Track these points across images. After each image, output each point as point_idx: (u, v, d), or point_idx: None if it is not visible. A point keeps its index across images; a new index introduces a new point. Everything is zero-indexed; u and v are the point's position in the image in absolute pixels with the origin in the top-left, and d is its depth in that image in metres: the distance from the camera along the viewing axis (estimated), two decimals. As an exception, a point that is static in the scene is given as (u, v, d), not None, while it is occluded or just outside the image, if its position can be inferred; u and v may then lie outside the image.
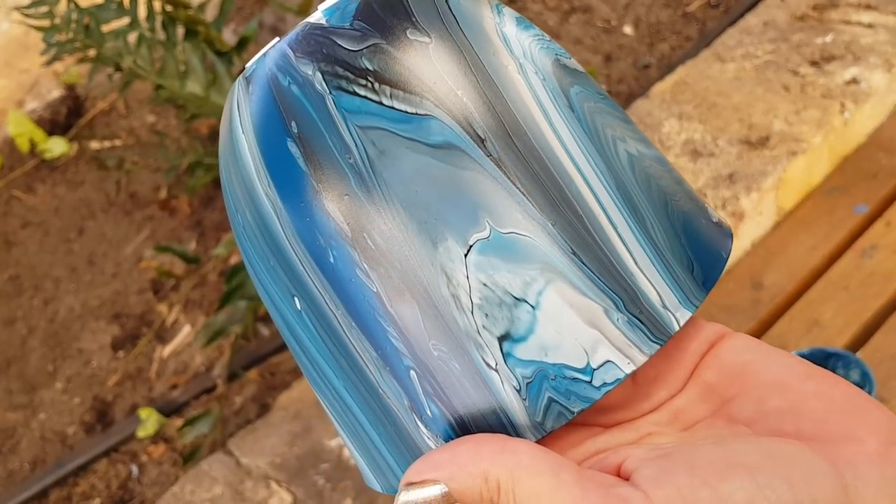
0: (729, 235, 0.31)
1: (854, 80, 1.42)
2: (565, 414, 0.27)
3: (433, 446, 0.27)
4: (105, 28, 1.52)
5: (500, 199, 0.26)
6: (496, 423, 0.27)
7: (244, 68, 0.30)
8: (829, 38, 1.50)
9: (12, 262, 1.90)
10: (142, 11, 1.58)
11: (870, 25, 1.51)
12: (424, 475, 0.26)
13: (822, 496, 0.24)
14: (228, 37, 2.03)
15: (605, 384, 0.26)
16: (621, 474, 0.26)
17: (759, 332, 1.20)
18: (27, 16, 1.52)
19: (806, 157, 1.34)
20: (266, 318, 1.53)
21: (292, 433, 1.20)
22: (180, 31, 1.56)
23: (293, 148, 0.27)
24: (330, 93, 0.27)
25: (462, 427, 0.27)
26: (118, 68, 1.52)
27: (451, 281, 0.26)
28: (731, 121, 1.40)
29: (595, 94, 0.30)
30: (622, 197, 0.28)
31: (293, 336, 0.29)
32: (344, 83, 0.27)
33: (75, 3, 1.50)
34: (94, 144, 2.05)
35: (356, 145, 0.27)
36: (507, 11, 0.30)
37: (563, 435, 0.29)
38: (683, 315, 0.27)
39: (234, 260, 1.55)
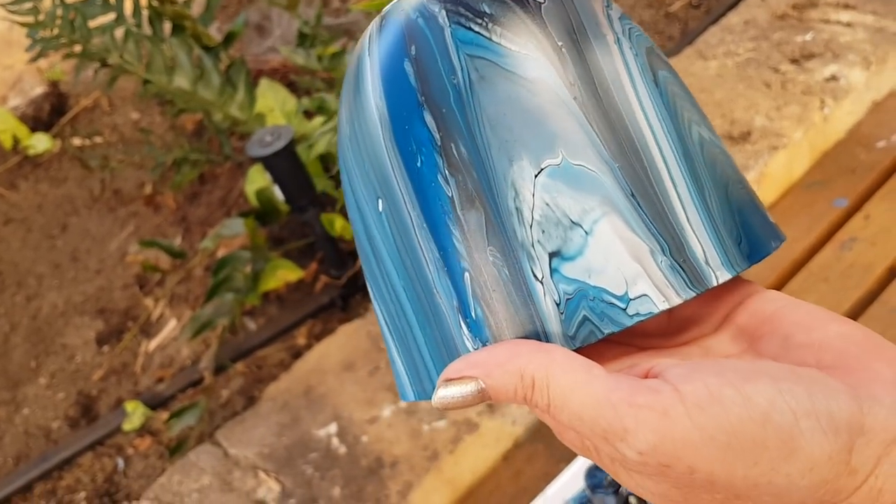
0: (780, 238, 0.33)
1: (833, 77, 1.45)
2: (596, 333, 0.29)
3: (471, 349, 0.30)
4: (91, 24, 1.52)
5: (576, 135, 0.30)
6: (531, 331, 0.29)
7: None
8: (808, 37, 1.53)
9: (-6, 259, 1.89)
10: (128, 7, 1.58)
11: (848, 24, 1.54)
12: (462, 373, 0.28)
13: (837, 409, 0.25)
14: (214, 35, 2.04)
15: (637, 314, 0.29)
16: (649, 377, 0.27)
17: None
18: (11, 12, 1.52)
19: (787, 152, 1.36)
20: (252, 312, 1.53)
21: (280, 424, 1.20)
22: (167, 26, 1.56)
23: (408, 67, 0.31)
24: (449, 25, 0.31)
25: (499, 332, 0.29)
26: (104, 64, 1.52)
27: (518, 195, 0.29)
28: (713, 116, 1.42)
29: (680, 85, 0.33)
30: (687, 164, 0.31)
31: (369, 238, 0.33)
32: (463, 20, 0.31)
33: (61, -1, 1.49)
34: (77, 141, 2.05)
35: (462, 69, 0.30)
36: (615, 6, 0.34)
37: (598, 349, 0.31)
38: (723, 274, 0.30)
39: (220, 253, 1.55)
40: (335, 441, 1.16)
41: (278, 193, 1.47)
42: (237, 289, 1.38)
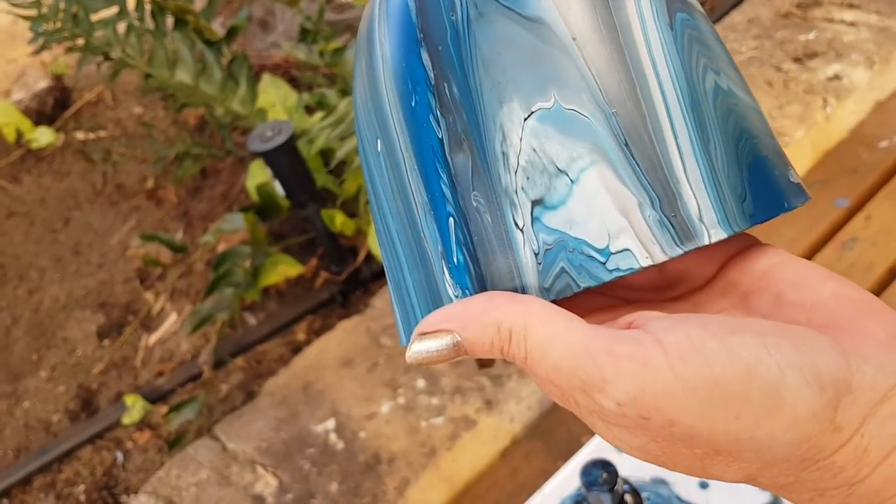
0: (802, 197, 0.31)
1: (836, 77, 1.44)
2: (572, 286, 0.28)
3: (452, 296, 0.29)
4: (94, 17, 1.52)
5: (571, 78, 0.28)
6: (508, 281, 0.28)
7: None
8: (812, 35, 1.53)
9: (-3, 252, 1.89)
10: (130, 1, 1.58)
11: (852, 23, 1.53)
12: (438, 326, 0.27)
13: (825, 364, 0.24)
14: (217, 30, 2.04)
15: (617, 269, 0.27)
16: (631, 328, 0.26)
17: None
18: (14, 5, 1.52)
19: (788, 151, 1.36)
20: (252, 307, 1.53)
21: (279, 419, 1.20)
22: (169, 20, 1.56)
23: (411, 3, 0.30)
24: None
25: (479, 280, 0.29)
26: (107, 57, 1.52)
27: (505, 139, 0.28)
28: (715, 115, 1.42)
29: (702, 30, 0.31)
30: (694, 115, 0.29)
31: (370, 179, 0.32)
32: None
33: (64, -8, 1.49)
34: (80, 135, 2.05)
35: (461, 5, 0.29)
36: None
37: (581, 301, 0.30)
38: (717, 233, 0.28)
39: (221, 248, 1.55)
40: (333, 437, 1.16)
41: (279, 189, 1.47)
42: (237, 284, 1.38)
